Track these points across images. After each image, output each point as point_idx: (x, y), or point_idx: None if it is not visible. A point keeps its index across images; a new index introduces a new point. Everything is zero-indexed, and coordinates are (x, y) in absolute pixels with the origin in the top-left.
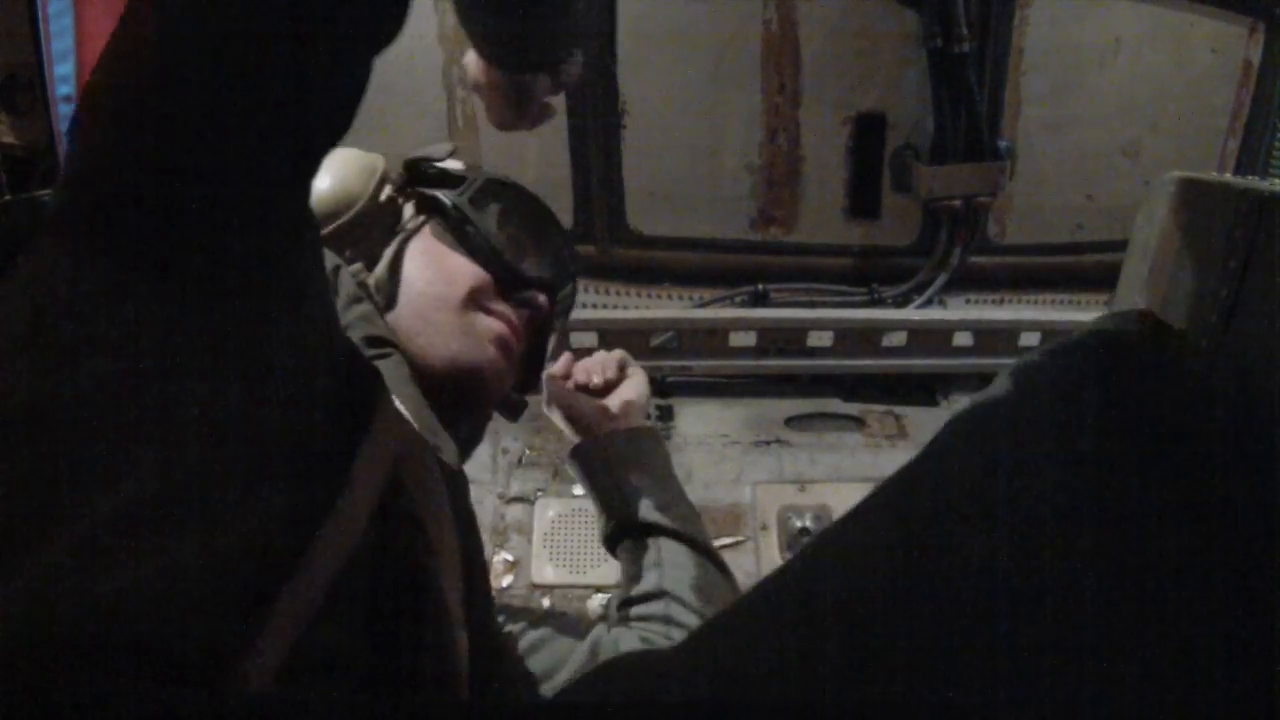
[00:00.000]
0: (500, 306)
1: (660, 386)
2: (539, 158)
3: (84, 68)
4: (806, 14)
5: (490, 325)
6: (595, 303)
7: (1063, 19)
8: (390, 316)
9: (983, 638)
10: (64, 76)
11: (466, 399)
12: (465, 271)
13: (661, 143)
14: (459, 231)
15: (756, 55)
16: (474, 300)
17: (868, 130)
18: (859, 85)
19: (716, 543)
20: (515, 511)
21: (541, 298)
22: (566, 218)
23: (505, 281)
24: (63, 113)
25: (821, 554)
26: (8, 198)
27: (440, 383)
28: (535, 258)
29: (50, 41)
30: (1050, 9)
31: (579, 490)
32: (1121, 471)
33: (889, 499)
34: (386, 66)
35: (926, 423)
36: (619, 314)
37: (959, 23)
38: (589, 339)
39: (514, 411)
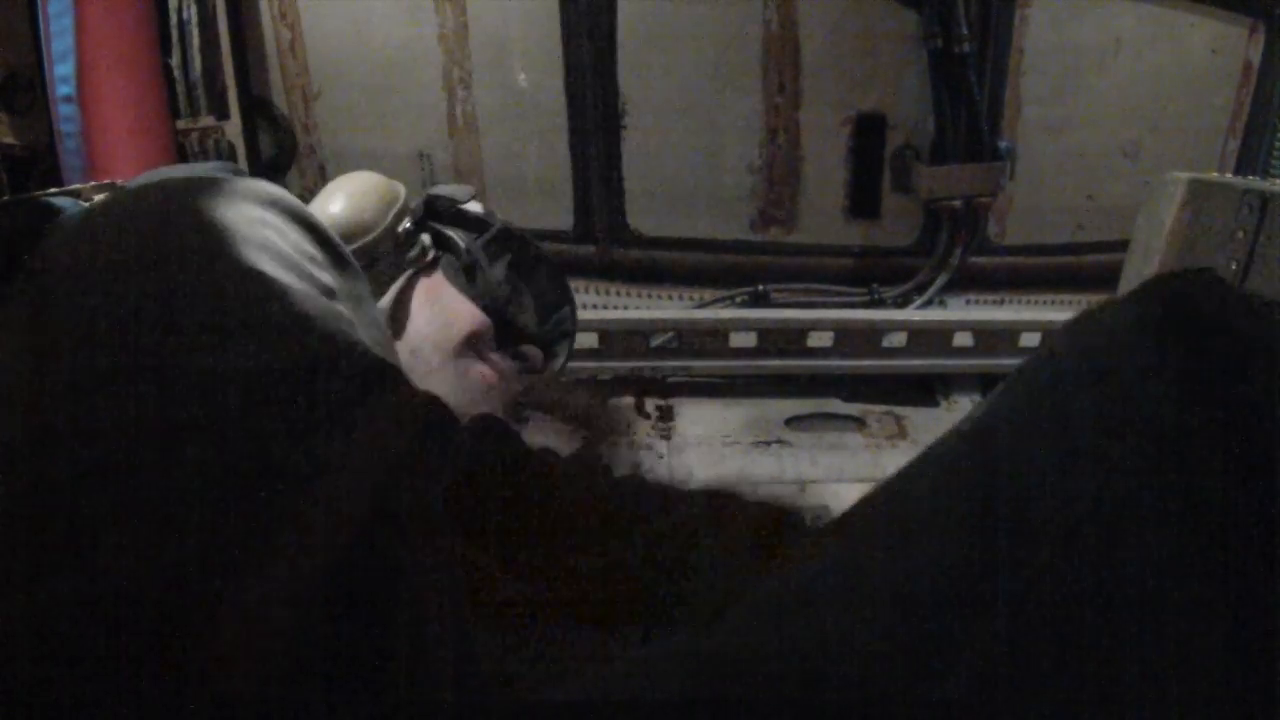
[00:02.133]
0: (495, 356)
1: (660, 386)
2: (539, 158)
3: (84, 68)
4: (806, 14)
5: (482, 373)
6: (595, 303)
7: (1063, 19)
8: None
9: (1061, 633)
10: (64, 76)
11: None
12: (466, 315)
13: (661, 143)
14: (468, 275)
15: (756, 55)
16: (470, 346)
17: (868, 130)
18: (859, 85)
19: None
20: None
21: (536, 352)
22: (566, 218)
23: (503, 332)
24: (63, 113)
25: (882, 527)
26: (7, 198)
27: None
28: (536, 313)
29: (50, 41)
30: (1050, 9)
31: None
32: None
33: (952, 469)
34: (387, 66)
35: (927, 423)
36: (619, 314)
37: (959, 23)
38: (589, 339)
39: None
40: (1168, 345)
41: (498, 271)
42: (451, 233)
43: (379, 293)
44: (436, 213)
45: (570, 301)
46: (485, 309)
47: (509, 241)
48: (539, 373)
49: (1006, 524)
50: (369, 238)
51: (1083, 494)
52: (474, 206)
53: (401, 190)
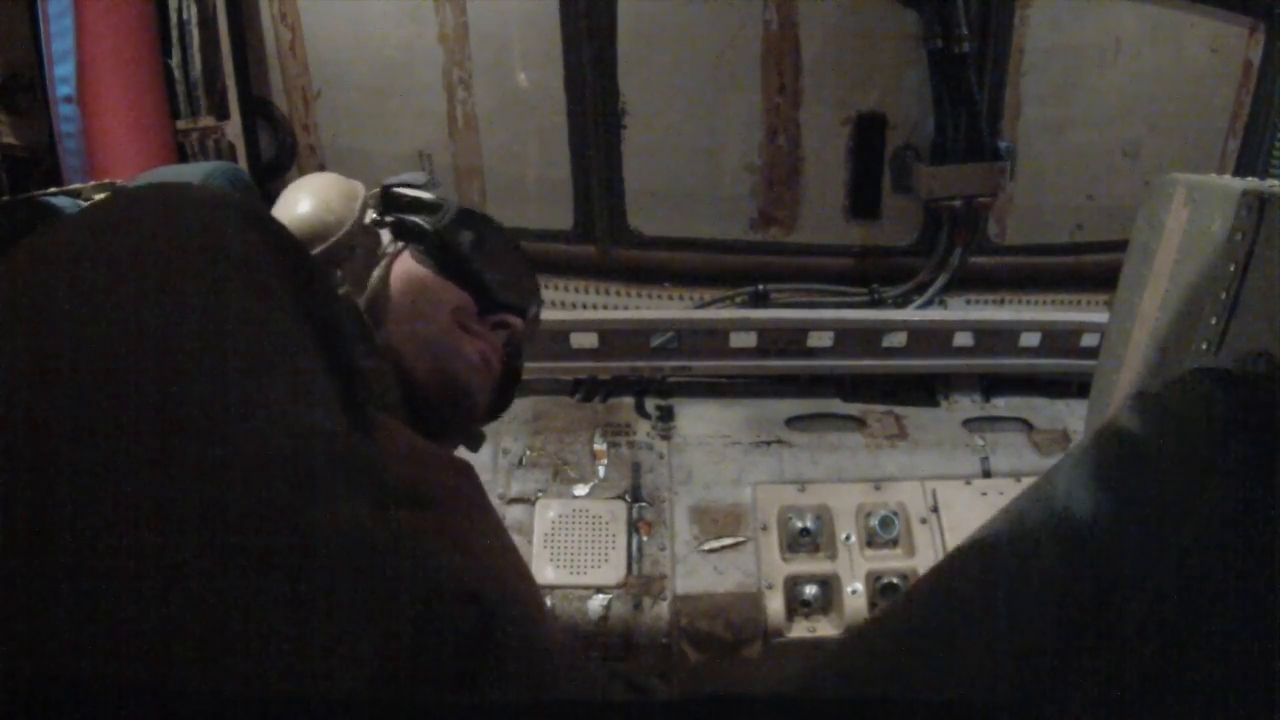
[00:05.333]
0: (480, 327)
1: (660, 386)
2: (539, 158)
3: (84, 68)
4: (806, 14)
5: (476, 345)
6: (595, 303)
7: (1063, 19)
8: (379, 335)
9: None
10: (64, 77)
11: (451, 414)
12: (448, 293)
13: (661, 143)
14: (438, 256)
15: (756, 55)
16: (458, 321)
17: (868, 130)
18: (859, 85)
19: (716, 543)
20: (516, 512)
21: (517, 320)
22: (567, 218)
23: (482, 304)
24: (63, 113)
25: (978, 571)
26: (7, 198)
27: (430, 398)
28: (506, 283)
29: (50, 41)
30: (1050, 9)
31: (579, 491)
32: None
33: (1043, 521)
34: (387, 66)
35: (927, 423)
36: (619, 314)
37: (959, 23)
38: (589, 339)
39: (475, 442)
40: (1237, 440)
41: (465, 248)
42: (415, 219)
43: (357, 286)
44: (395, 201)
45: (531, 272)
46: (460, 285)
47: (467, 219)
48: (519, 342)
49: (1093, 600)
50: (340, 234)
51: (1165, 574)
52: (425, 194)
53: (360, 186)
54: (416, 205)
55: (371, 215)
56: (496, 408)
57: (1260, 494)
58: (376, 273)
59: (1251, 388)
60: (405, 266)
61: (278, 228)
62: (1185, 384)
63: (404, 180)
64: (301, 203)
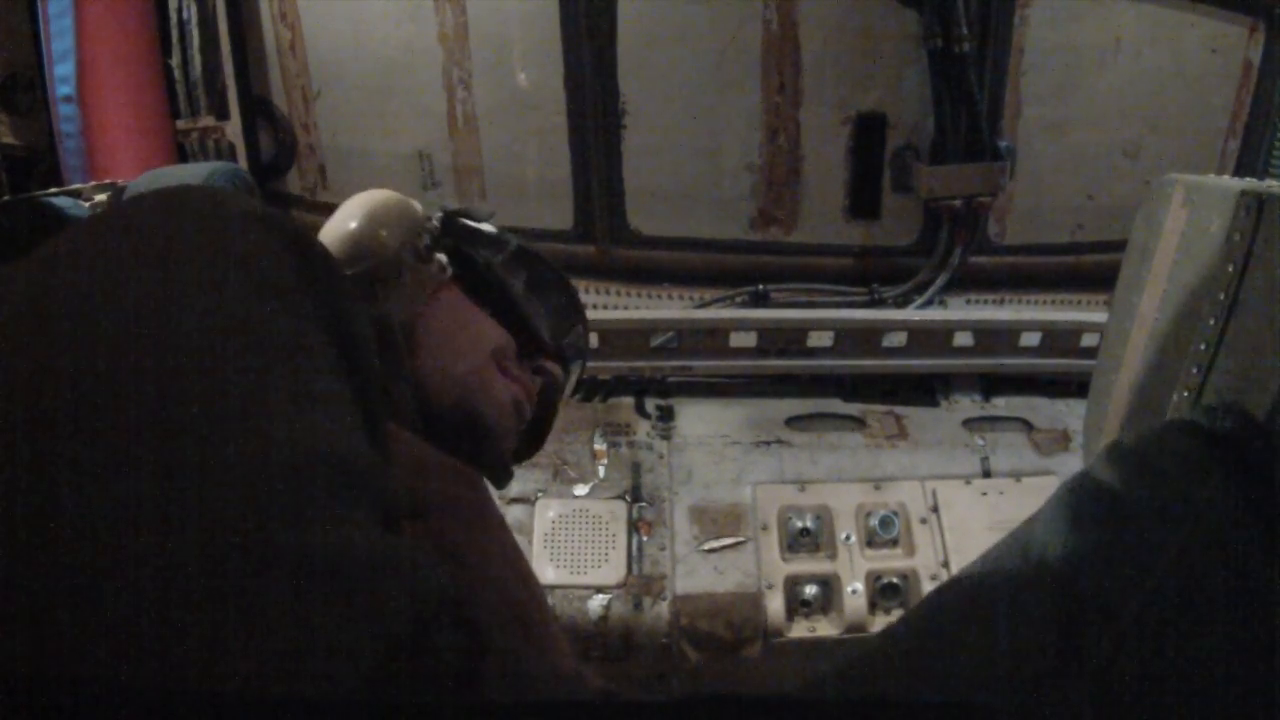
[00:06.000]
0: (518, 371)
1: (660, 386)
2: (539, 157)
3: (84, 68)
4: (806, 14)
5: (509, 387)
6: (595, 303)
7: (1063, 19)
8: (411, 360)
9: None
10: (64, 76)
11: (470, 451)
12: (491, 331)
13: (661, 143)
14: (488, 292)
15: (756, 55)
16: (496, 361)
17: (868, 130)
18: (859, 85)
19: (716, 543)
20: (516, 512)
21: (556, 368)
22: (566, 218)
23: (525, 347)
24: (63, 113)
25: (956, 609)
26: (7, 198)
27: (450, 432)
28: (554, 330)
29: (50, 41)
30: (1050, 9)
31: (579, 491)
32: (1248, 561)
33: (1021, 565)
34: (387, 66)
35: (927, 423)
36: (619, 314)
37: (959, 23)
38: (589, 339)
39: (502, 479)
40: (1208, 486)
41: (516, 288)
42: (469, 250)
43: (403, 307)
44: (454, 229)
45: (583, 320)
46: (506, 325)
47: (525, 259)
48: (558, 389)
49: (1090, 606)
50: (388, 254)
51: (1154, 581)
52: (488, 226)
53: (418, 207)
54: (475, 237)
55: (427, 240)
56: (526, 451)
57: (1229, 525)
58: (420, 298)
59: (1222, 440)
60: (451, 297)
61: (281, 226)
62: (1158, 437)
63: (467, 210)
64: (354, 218)
